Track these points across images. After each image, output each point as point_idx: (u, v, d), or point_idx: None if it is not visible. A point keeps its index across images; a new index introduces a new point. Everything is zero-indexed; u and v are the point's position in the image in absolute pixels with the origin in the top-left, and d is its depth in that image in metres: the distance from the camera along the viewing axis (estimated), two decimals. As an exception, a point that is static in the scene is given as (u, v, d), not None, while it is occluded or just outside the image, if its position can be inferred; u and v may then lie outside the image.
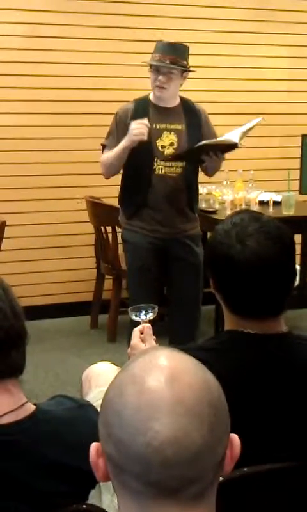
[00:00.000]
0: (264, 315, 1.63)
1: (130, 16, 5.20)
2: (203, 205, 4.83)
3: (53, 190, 5.16)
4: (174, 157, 3.68)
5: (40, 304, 5.01)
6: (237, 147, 3.67)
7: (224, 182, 4.96)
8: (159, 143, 3.72)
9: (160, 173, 3.70)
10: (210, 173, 3.94)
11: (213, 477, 0.91)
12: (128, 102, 3.82)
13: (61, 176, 5.17)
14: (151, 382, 0.90)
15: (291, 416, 1.59)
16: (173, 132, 3.75)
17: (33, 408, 1.43)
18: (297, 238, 4.51)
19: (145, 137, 3.57)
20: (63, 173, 5.18)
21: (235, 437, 0.96)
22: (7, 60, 4.97)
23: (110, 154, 3.71)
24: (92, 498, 1.54)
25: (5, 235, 4.11)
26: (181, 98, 3.83)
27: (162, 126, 3.74)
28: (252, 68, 5.61)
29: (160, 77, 3.65)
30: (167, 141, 3.74)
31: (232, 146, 3.68)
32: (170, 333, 3.91)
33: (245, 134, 3.72)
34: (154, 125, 3.71)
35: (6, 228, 4.10)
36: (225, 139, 3.67)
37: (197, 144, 3.63)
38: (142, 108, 3.75)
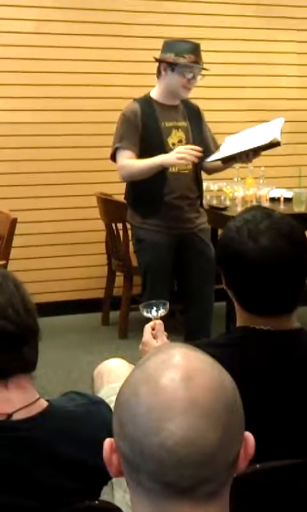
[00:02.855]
0: (276, 311, 1.63)
1: (138, 12, 5.19)
2: (213, 202, 4.84)
3: (64, 187, 5.17)
4: (223, 160, 3.75)
5: (51, 301, 5.02)
6: (279, 145, 3.66)
7: (235, 179, 4.95)
8: (170, 140, 3.77)
9: (173, 170, 3.72)
10: (211, 173, 4.03)
11: (227, 476, 0.91)
12: (131, 103, 3.84)
13: (72, 173, 5.18)
14: (165, 382, 0.90)
15: (304, 412, 1.59)
16: (180, 129, 3.80)
17: (46, 404, 1.43)
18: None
19: (186, 162, 3.58)
20: (74, 170, 5.18)
21: (249, 435, 0.95)
22: (15, 57, 4.97)
23: (140, 164, 3.68)
24: (104, 495, 1.54)
25: (16, 232, 4.12)
26: None
27: (171, 124, 3.78)
28: (262, 65, 5.59)
29: (193, 81, 3.71)
30: (176, 139, 3.78)
31: (274, 145, 3.67)
32: (186, 327, 3.95)
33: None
34: (163, 124, 3.76)
35: (17, 225, 4.10)
36: (270, 140, 3.63)
37: (245, 149, 3.66)
38: (148, 108, 3.77)
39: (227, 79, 5.44)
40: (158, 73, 3.78)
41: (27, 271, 4.85)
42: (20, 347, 1.39)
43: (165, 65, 3.71)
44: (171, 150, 3.69)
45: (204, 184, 4.53)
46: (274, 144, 3.65)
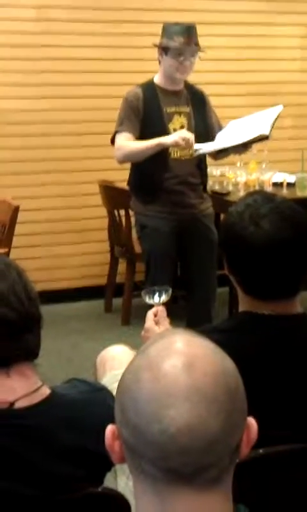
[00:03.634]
0: (279, 296, 1.62)
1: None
2: (216, 187, 4.82)
3: (65, 174, 5.15)
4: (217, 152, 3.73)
5: (54, 288, 5.01)
6: (268, 138, 3.65)
7: (238, 164, 4.93)
8: (171, 126, 3.74)
9: (175, 156, 3.71)
10: (217, 159, 3.99)
11: (230, 462, 0.90)
12: (134, 87, 3.82)
13: (73, 160, 5.16)
14: (167, 368, 0.89)
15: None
16: (182, 115, 3.78)
17: (48, 391, 1.43)
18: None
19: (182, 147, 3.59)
20: (75, 157, 5.16)
21: (251, 421, 0.95)
22: (16, 44, 4.94)
23: (136, 145, 3.67)
24: (107, 481, 1.55)
25: (18, 219, 4.11)
26: (184, 81, 3.83)
27: (172, 109, 3.76)
28: (265, 48, 5.55)
29: (187, 63, 3.66)
30: (178, 124, 3.75)
31: (262, 139, 3.65)
32: (188, 313, 3.95)
33: (273, 125, 3.69)
34: (165, 109, 3.74)
35: (20, 212, 4.10)
36: (259, 134, 3.61)
37: (232, 145, 3.64)
38: (151, 93, 3.75)
39: (229, 63, 5.41)
40: (158, 59, 3.76)
41: (29, 258, 4.84)
42: (22, 335, 1.39)
43: (161, 50, 3.70)
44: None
45: (207, 169, 4.52)
46: (263, 138, 3.63)
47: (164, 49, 3.67)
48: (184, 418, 0.86)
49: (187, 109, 3.79)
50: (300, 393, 1.59)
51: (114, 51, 5.15)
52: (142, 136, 3.71)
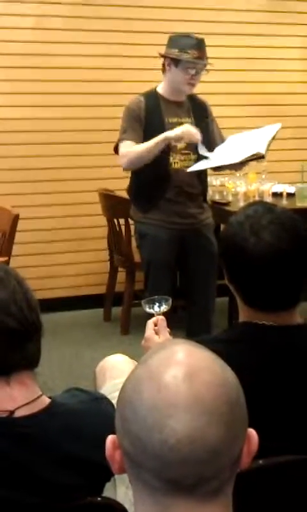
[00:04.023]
0: (278, 307, 1.63)
1: (140, 7, 5.17)
2: (216, 197, 4.83)
3: (66, 183, 5.16)
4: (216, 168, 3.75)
5: (54, 297, 5.02)
6: (263, 158, 3.65)
7: (237, 174, 4.93)
8: None
9: (176, 166, 3.72)
10: (217, 170, 4.01)
11: (230, 474, 0.90)
12: (136, 96, 3.82)
13: (73, 169, 5.17)
14: (168, 379, 0.89)
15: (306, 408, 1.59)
16: None
17: (48, 400, 1.43)
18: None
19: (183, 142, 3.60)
20: (76, 166, 5.17)
21: (252, 432, 0.95)
22: (16, 53, 4.96)
23: (141, 146, 3.65)
24: (106, 491, 1.54)
25: (18, 228, 4.12)
26: None
27: (174, 120, 3.75)
28: (265, 59, 5.57)
29: (197, 77, 3.68)
30: None
31: (258, 157, 3.65)
32: (188, 323, 3.95)
33: (270, 143, 3.69)
34: (167, 119, 3.73)
35: (20, 221, 4.10)
36: (253, 154, 3.61)
37: (227, 164, 3.65)
38: (153, 102, 3.75)
39: (229, 74, 5.42)
40: (164, 69, 3.75)
41: (29, 267, 4.85)
42: (22, 344, 1.39)
43: (169, 61, 3.68)
44: (174, 146, 3.68)
45: (207, 179, 4.53)
46: (258, 157, 3.63)
47: (174, 60, 3.67)
48: (185, 429, 0.86)
49: (188, 120, 3.78)
50: (301, 404, 1.59)
51: (114, 60, 5.16)
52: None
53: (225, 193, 4.90)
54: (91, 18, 5.10)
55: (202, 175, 3.89)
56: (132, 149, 3.68)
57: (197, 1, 5.32)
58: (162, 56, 3.73)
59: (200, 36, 3.74)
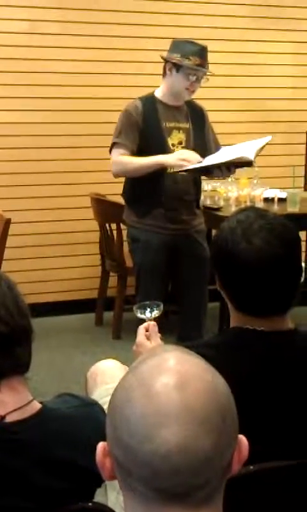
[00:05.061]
0: (270, 312, 1.63)
1: (132, 12, 5.18)
2: (207, 202, 4.83)
3: (57, 187, 5.16)
4: (194, 171, 3.66)
5: (45, 301, 5.01)
6: (252, 165, 3.65)
7: (229, 179, 4.94)
8: (169, 141, 3.74)
9: (171, 171, 3.71)
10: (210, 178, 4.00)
11: (221, 481, 0.90)
12: (134, 100, 3.81)
13: (65, 173, 5.17)
14: (159, 387, 0.89)
15: (299, 413, 1.59)
16: (181, 131, 3.77)
17: (39, 406, 1.43)
18: (302, 235, 4.50)
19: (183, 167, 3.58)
20: (67, 170, 5.17)
21: (242, 438, 0.94)
22: (9, 57, 4.96)
23: (134, 163, 3.66)
24: (97, 496, 1.54)
25: (10, 232, 4.10)
26: None
27: (172, 124, 3.75)
28: (257, 65, 5.59)
29: (198, 83, 3.69)
30: (176, 140, 3.75)
31: (246, 164, 3.64)
32: (179, 327, 3.95)
33: (259, 152, 3.69)
34: (164, 124, 3.73)
35: (11, 225, 4.09)
36: (241, 157, 3.59)
37: (214, 163, 3.62)
38: (150, 107, 3.74)
39: (221, 79, 5.42)
40: (164, 73, 3.75)
41: (20, 271, 4.84)
42: (12, 349, 1.39)
43: (171, 65, 3.68)
44: (171, 150, 3.68)
45: (201, 186, 4.53)
46: (247, 163, 3.61)
47: (175, 65, 3.67)
48: (176, 438, 0.85)
49: (187, 125, 3.78)
50: (292, 409, 1.59)
51: (107, 65, 5.17)
52: (141, 149, 3.70)
53: (217, 198, 4.90)
54: (83, 23, 5.10)
55: (198, 181, 3.89)
56: (125, 161, 3.69)
57: (190, 7, 5.33)
58: (164, 59, 3.73)
59: (203, 43, 3.74)
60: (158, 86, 3.81)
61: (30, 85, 5.01)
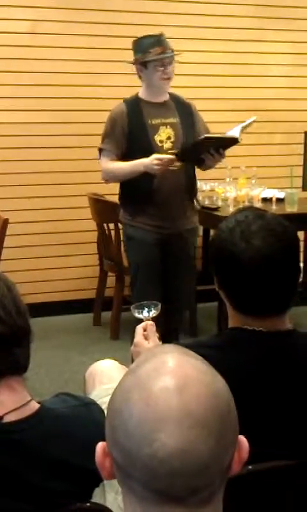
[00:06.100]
0: (269, 313, 1.63)
1: (132, 12, 5.18)
2: (205, 202, 4.83)
3: (55, 187, 5.16)
4: (180, 155, 3.66)
5: (43, 301, 5.00)
6: (238, 142, 3.67)
7: (227, 179, 4.95)
8: (157, 138, 3.77)
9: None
10: (204, 168, 3.95)
11: (221, 482, 0.90)
12: (120, 103, 3.86)
13: (63, 173, 5.17)
14: (158, 390, 0.88)
15: (296, 413, 1.59)
16: (168, 126, 3.80)
17: (37, 406, 1.43)
18: (300, 235, 4.49)
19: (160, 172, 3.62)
20: (66, 170, 5.17)
21: (243, 439, 0.94)
22: (9, 57, 4.96)
23: (117, 168, 3.76)
24: (95, 497, 1.54)
25: (7, 232, 4.10)
26: (170, 94, 3.88)
27: (157, 121, 3.78)
28: (255, 65, 5.59)
29: (168, 68, 3.71)
30: (165, 136, 3.77)
31: (232, 142, 3.68)
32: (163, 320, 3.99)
33: (243, 131, 3.73)
34: (149, 121, 3.77)
35: (9, 225, 4.09)
36: (227, 134, 3.68)
37: (200, 138, 3.64)
38: (134, 107, 3.80)
39: (219, 79, 5.44)
40: (139, 75, 3.83)
41: (18, 271, 4.83)
42: (11, 349, 1.39)
43: (139, 66, 3.76)
44: (159, 147, 3.72)
45: (197, 184, 4.52)
46: (233, 141, 3.66)
47: (142, 64, 3.72)
48: (175, 442, 0.85)
49: (174, 120, 3.81)
50: (291, 409, 1.59)
51: (107, 65, 5.17)
52: (128, 150, 3.76)
53: (215, 198, 4.91)
54: (83, 22, 5.10)
55: (191, 179, 3.89)
56: (110, 167, 3.79)
57: (186, 7, 5.33)
58: (132, 62, 3.80)
59: (157, 32, 3.77)
60: None
61: (29, 85, 5.01)
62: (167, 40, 3.77)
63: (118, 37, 5.15)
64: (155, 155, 3.62)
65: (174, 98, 3.88)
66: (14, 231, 4.51)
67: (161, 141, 3.76)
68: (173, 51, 3.73)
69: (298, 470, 1.53)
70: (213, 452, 0.86)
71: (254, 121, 3.86)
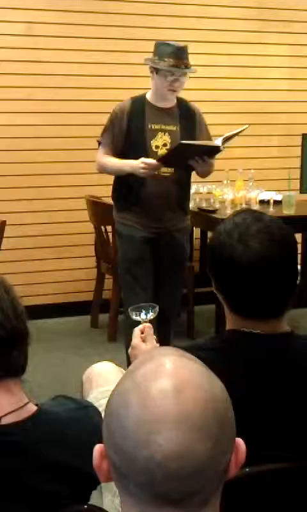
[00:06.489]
0: (266, 315, 1.63)
1: (128, 15, 5.19)
2: (203, 204, 4.84)
3: (53, 189, 5.16)
4: (162, 162, 3.66)
5: (40, 303, 5.00)
6: (219, 150, 3.68)
7: (225, 181, 4.95)
8: (153, 143, 3.78)
9: (157, 172, 3.72)
10: (201, 175, 3.97)
11: (218, 485, 0.90)
12: (125, 100, 3.85)
13: (60, 175, 5.17)
14: (155, 393, 0.88)
15: (295, 416, 1.59)
16: (167, 133, 3.80)
17: (35, 408, 1.43)
18: (298, 237, 4.50)
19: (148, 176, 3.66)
20: (63, 172, 5.17)
21: (240, 442, 0.94)
22: (4, 59, 4.96)
23: (108, 163, 3.81)
24: (93, 499, 1.54)
25: (5, 234, 4.11)
26: (178, 99, 3.86)
27: (157, 126, 3.78)
28: (253, 67, 5.60)
29: (177, 84, 3.71)
30: (161, 142, 3.78)
31: (215, 150, 3.68)
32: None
33: (228, 139, 3.74)
34: (149, 125, 3.77)
35: (7, 227, 4.10)
36: (207, 142, 3.70)
37: (178, 144, 3.64)
38: (139, 107, 3.79)
39: (217, 82, 5.45)
40: (150, 75, 3.80)
41: (16, 273, 4.83)
42: (8, 351, 1.38)
43: (151, 68, 3.75)
44: (154, 152, 3.73)
45: (194, 186, 4.53)
46: (215, 149, 3.66)
47: (154, 68, 3.71)
48: (172, 445, 0.85)
49: (174, 128, 3.80)
50: (289, 412, 1.59)
51: (103, 67, 5.17)
52: (124, 149, 3.77)
53: (212, 200, 4.91)
54: (78, 24, 5.10)
55: (183, 182, 3.88)
56: (103, 161, 3.84)
57: (185, 9, 5.34)
58: (146, 63, 3.78)
59: (182, 44, 3.75)
60: None
61: (27, 87, 5.02)
62: (189, 54, 3.73)
63: (115, 39, 5.17)
64: (142, 159, 3.63)
65: (181, 105, 3.86)
66: (11, 233, 4.52)
67: (157, 147, 3.76)
68: (188, 66, 3.70)
69: (296, 472, 1.53)
70: (210, 454, 0.86)
71: (244, 130, 3.86)
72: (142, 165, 3.61)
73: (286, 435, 1.57)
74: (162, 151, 3.74)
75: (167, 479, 0.85)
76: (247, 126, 3.90)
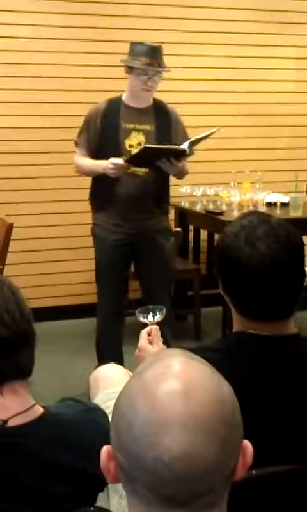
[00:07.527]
0: (273, 317, 1.62)
1: (132, 17, 5.20)
2: (210, 207, 4.84)
3: (59, 192, 5.17)
4: (130, 163, 3.66)
5: (48, 306, 5.01)
6: (185, 154, 3.67)
7: (232, 184, 4.95)
8: (127, 142, 3.79)
9: (128, 171, 3.72)
10: (176, 177, 3.98)
11: (225, 487, 0.90)
12: (101, 102, 3.88)
13: (67, 178, 5.16)
14: (163, 395, 0.88)
15: (301, 418, 1.59)
16: (141, 133, 3.80)
17: (42, 410, 1.43)
18: (305, 239, 4.50)
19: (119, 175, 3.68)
20: (69, 175, 5.16)
21: (247, 444, 0.94)
22: (12, 62, 4.98)
23: (82, 163, 3.86)
24: (100, 501, 1.54)
25: (14, 236, 4.11)
26: (154, 100, 3.88)
27: (131, 126, 3.80)
28: (260, 69, 5.60)
29: (150, 83, 3.73)
30: (135, 141, 3.79)
31: (181, 153, 3.67)
32: None
33: (196, 143, 3.73)
34: (123, 125, 3.79)
35: (15, 229, 4.09)
36: (172, 146, 3.69)
37: (142, 147, 3.64)
38: (114, 107, 3.82)
39: (223, 84, 5.45)
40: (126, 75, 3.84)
41: (23, 276, 4.84)
42: (15, 353, 1.39)
43: (126, 68, 3.78)
44: (127, 151, 3.73)
45: (201, 189, 4.54)
46: (182, 152, 3.65)
47: (129, 67, 3.74)
48: (179, 446, 0.85)
49: (148, 127, 3.81)
50: (296, 414, 1.59)
51: (109, 70, 5.16)
52: (98, 149, 3.79)
53: (219, 203, 4.91)
54: (86, 27, 5.11)
55: (160, 182, 3.85)
56: (78, 162, 3.89)
57: (189, 12, 5.34)
58: (122, 63, 3.82)
59: (156, 44, 3.78)
60: (161, 91, 3.88)
61: (33, 90, 5.03)
62: (163, 54, 3.76)
63: (120, 42, 5.16)
64: (111, 159, 3.65)
65: (157, 106, 3.87)
66: (19, 235, 4.52)
67: (130, 146, 3.77)
68: (162, 66, 3.72)
69: (303, 474, 1.52)
70: (217, 456, 0.86)
71: (214, 132, 3.83)
72: (111, 165, 3.62)
73: (293, 437, 1.57)
74: (136, 150, 3.73)
75: (174, 481, 0.85)
76: (216, 129, 3.88)
